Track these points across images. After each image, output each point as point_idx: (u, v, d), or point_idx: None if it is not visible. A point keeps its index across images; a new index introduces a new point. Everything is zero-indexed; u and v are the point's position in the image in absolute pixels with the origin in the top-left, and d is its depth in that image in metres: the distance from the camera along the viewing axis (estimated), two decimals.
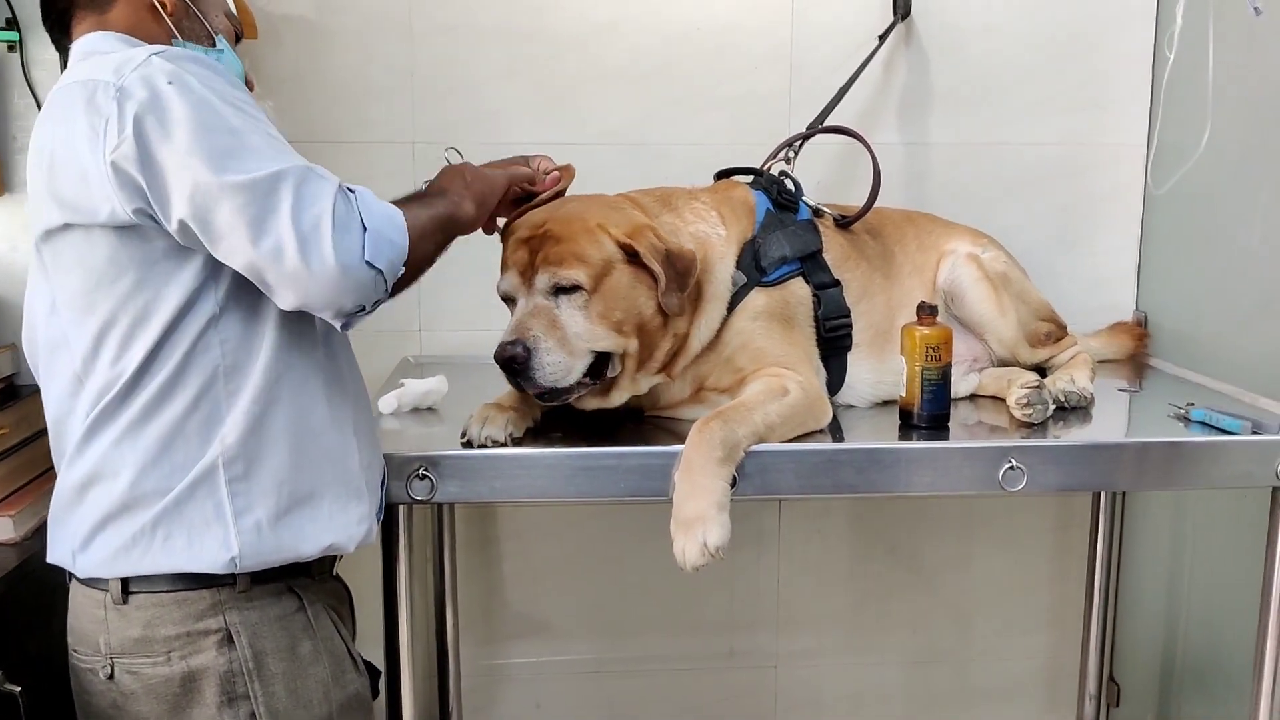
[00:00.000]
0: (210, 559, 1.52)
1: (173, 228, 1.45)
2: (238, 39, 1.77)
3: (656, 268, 1.87)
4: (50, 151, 1.49)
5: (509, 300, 1.93)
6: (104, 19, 1.61)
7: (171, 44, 1.61)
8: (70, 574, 1.60)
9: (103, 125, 1.42)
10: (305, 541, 1.58)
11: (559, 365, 1.83)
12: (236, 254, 1.44)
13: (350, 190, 1.51)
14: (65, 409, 1.56)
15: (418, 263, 1.60)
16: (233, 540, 1.52)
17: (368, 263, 1.47)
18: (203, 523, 1.52)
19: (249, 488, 1.53)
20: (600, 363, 1.89)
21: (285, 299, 1.48)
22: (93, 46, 1.58)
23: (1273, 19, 2.27)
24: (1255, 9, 2.25)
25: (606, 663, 2.95)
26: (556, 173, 1.99)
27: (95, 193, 1.44)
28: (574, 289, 1.85)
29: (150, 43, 1.58)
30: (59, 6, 1.64)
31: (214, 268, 1.50)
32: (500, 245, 1.96)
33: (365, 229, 1.47)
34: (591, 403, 1.95)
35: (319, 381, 1.60)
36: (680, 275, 1.90)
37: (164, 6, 1.62)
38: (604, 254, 1.86)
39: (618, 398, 1.95)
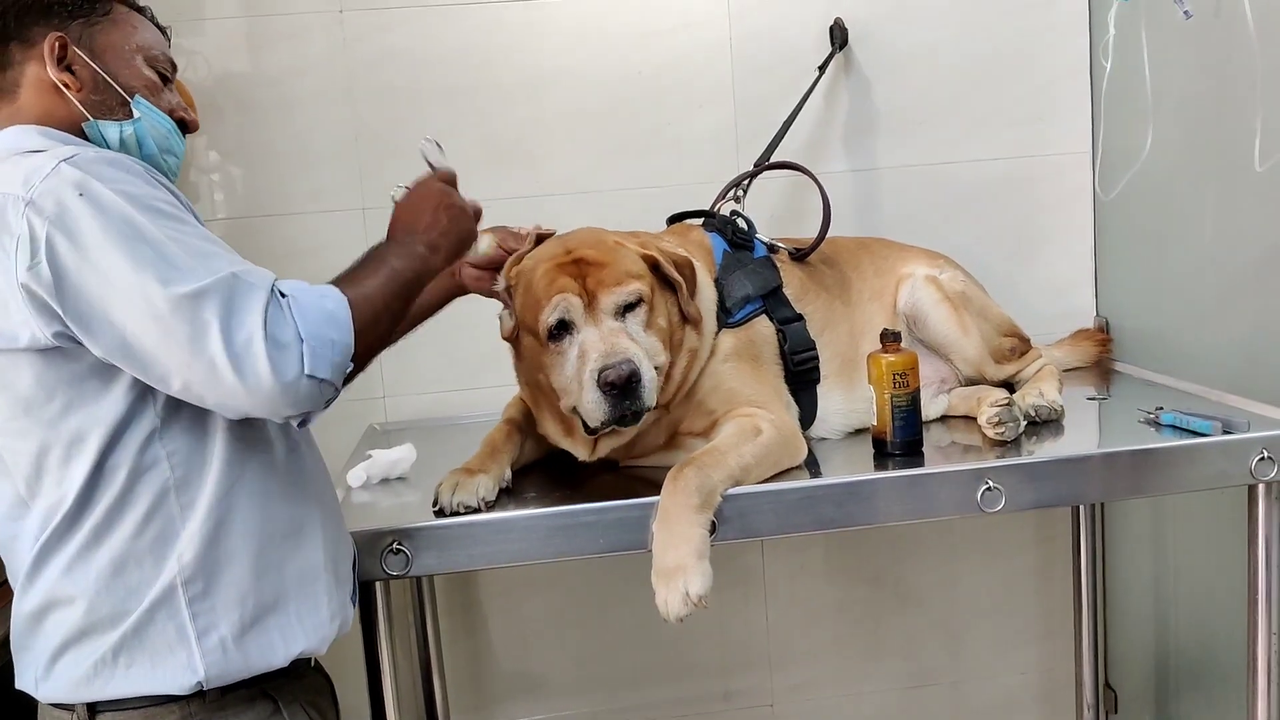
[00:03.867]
0: (176, 682, 1.46)
1: (97, 352, 1.38)
2: (165, 80, 1.64)
3: (676, 275, 1.92)
4: None
5: (563, 329, 1.86)
6: (16, 108, 1.53)
7: (84, 126, 1.53)
8: None
9: (13, 245, 1.34)
10: (274, 653, 1.52)
11: (654, 381, 1.83)
12: (172, 376, 1.37)
13: (283, 294, 1.41)
14: (11, 532, 1.48)
15: (375, 342, 1.53)
16: (198, 663, 1.46)
17: (309, 375, 1.38)
18: (165, 647, 1.46)
19: (211, 605, 1.47)
20: None
21: (229, 413, 1.42)
22: (12, 144, 1.49)
23: (1202, 20, 2.30)
24: (1185, 12, 2.28)
25: (601, 716, 2.91)
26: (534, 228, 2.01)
27: (14, 317, 1.37)
28: (638, 304, 1.87)
29: (64, 126, 1.52)
30: None
31: None
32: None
33: (302, 339, 1.38)
34: (608, 441, 1.95)
35: (276, 482, 1.54)
36: (689, 282, 1.96)
37: (68, 87, 1.52)
38: (642, 268, 1.91)
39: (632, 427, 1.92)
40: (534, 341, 1.91)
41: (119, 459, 1.43)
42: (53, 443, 1.42)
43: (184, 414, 1.46)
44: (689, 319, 1.95)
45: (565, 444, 2.00)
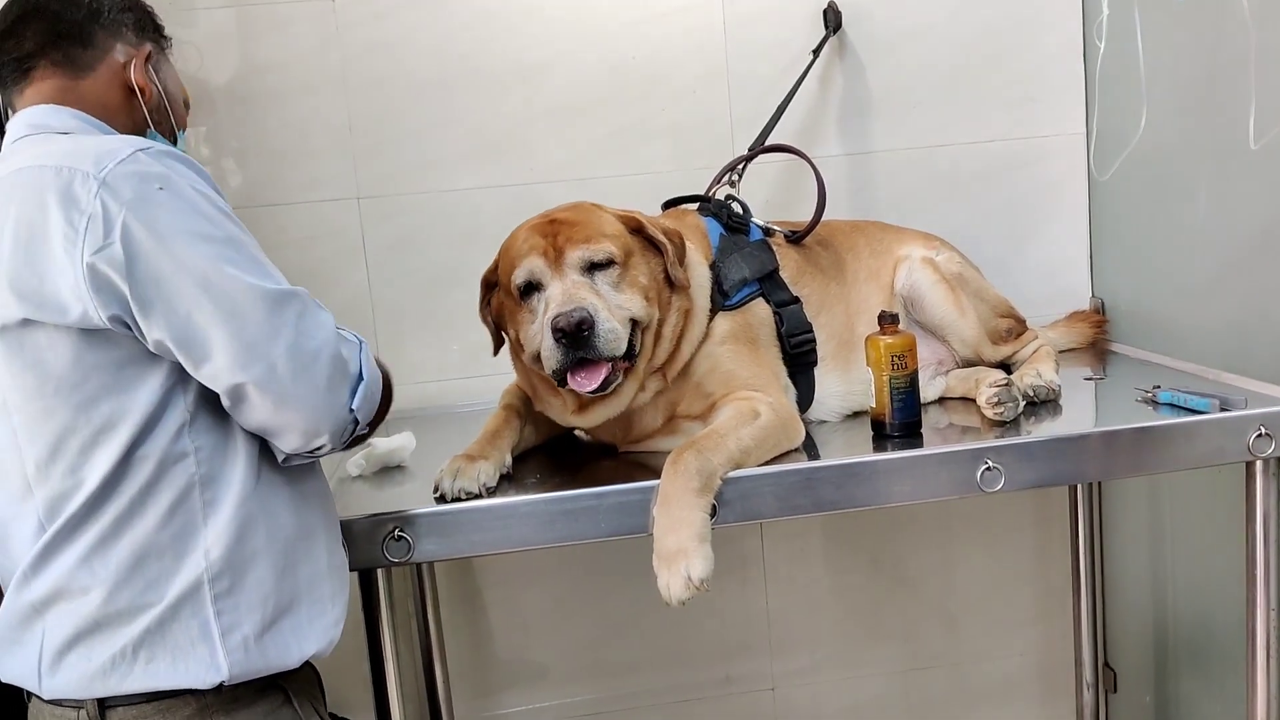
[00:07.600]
0: (197, 678, 1.46)
1: (151, 340, 1.38)
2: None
3: (661, 237, 1.95)
4: (11, 239, 1.38)
5: (531, 289, 1.91)
6: (74, 85, 1.53)
7: (146, 134, 1.56)
8: (29, 692, 1.51)
9: (83, 222, 1.34)
10: (289, 653, 1.53)
11: (614, 332, 1.84)
12: (225, 373, 1.40)
13: (356, 338, 1.53)
14: (11, 512, 1.47)
15: (374, 420, 1.62)
16: (221, 661, 1.46)
17: (351, 409, 1.48)
18: (188, 643, 1.45)
19: (236, 603, 1.47)
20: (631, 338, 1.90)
21: (252, 419, 1.45)
22: (45, 121, 1.49)
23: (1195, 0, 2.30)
24: None
25: (603, 703, 2.91)
26: None
27: (67, 293, 1.36)
28: (608, 264, 1.89)
29: (116, 125, 1.53)
30: (25, 49, 1.53)
31: (182, 372, 1.43)
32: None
33: (362, 378, 1.49)
34: (597, 411, 1.95)
35: (288, 486, 1.55)
36: (677, 249, 1.98)
37: (142, 93, 1.56)
38: (619, 230, 1.93)
39: (627, 391, 1.93)
40: (512, 302, 1.94)
41: (149, 449, 1.42)
42: (78, 427, 1.41)
43: (210, 410, 1.47)
44: (676, 284, 1.96)
45: (556, 411, 2.01)
